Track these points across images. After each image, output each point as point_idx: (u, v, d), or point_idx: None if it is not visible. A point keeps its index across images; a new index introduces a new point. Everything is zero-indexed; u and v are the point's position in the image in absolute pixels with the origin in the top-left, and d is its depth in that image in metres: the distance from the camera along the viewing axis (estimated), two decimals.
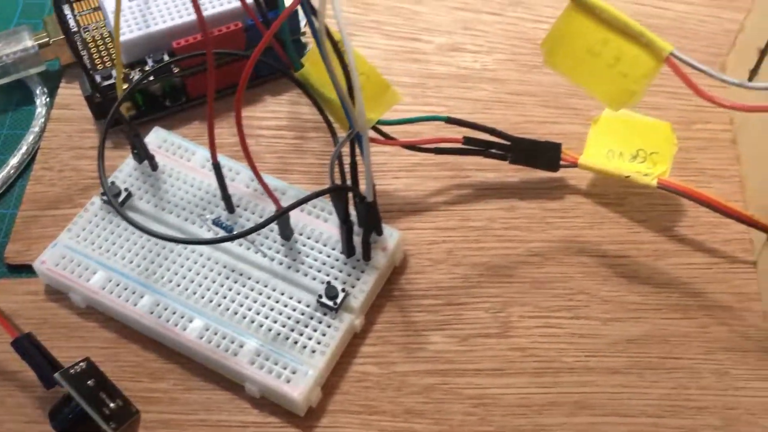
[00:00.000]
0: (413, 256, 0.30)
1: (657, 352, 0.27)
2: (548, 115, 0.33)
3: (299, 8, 0.24)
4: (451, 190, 0.31)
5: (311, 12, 0.24)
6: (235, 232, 0.26)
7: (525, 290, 0.29)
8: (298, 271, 0.28)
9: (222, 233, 0.28)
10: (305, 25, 0.34)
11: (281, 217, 0.26)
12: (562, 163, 0.30)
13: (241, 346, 0.26)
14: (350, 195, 0.27)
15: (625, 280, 0.29)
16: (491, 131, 0.30)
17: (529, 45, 0.36)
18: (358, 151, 0.25)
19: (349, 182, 0.27)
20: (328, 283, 0.27)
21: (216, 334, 0.26)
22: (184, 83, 0.33)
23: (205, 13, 0.32)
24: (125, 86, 0.29)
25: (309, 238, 0.28)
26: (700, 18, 0.36)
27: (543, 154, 0.30)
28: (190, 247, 0.28)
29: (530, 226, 0.30)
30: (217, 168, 0.27)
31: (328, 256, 0.28)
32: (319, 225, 0.29)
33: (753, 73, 0.30)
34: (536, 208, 0.31)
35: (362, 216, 0.27)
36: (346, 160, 0.26)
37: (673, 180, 0.28)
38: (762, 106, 0.22)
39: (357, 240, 0.28)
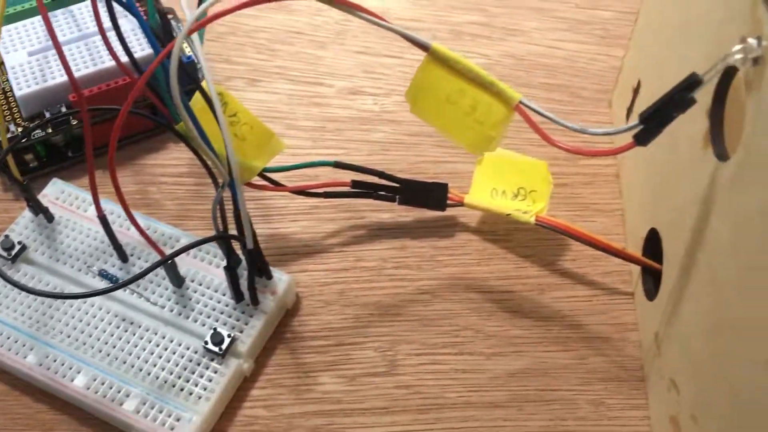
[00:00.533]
0: (306, 297, 0.30)
1: (536, 385, 0.28)
2: (442, 155, 0.34)
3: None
4: (347, 232, 0.32)
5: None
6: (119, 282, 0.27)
7: (413, 328, 0.29)
8: (188, 317, 0.28)
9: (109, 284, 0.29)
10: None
11: (164, 264, 0.27)
12: (449, 202, 0.31)
13: (128, 395, 0.26)
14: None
15: (509, 314, 0.30)
16: (379, 174, 0.31)
17: None
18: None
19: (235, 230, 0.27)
20: (215, 329, 0.27)
21: (103, 384, 0.27)
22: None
23: (103, 66, 0.33)
24: (24, 140, 0.30)
25: (201, 285, 0.29)
26: (590, 56, 0.38)
27: (430, 194, 0.31)
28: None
29: (421, 265, 0.31)
30: (103, 220, 0.28)
31: (219, 302, 0.29)
32: (211, 271, 0.29)
33: (629, 112, 0.32)
34: (427, 247, 0.32)
35: (247, 262, 0.27)
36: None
37: (550, 216, 0.29)
38: (595, 150, 0.23)
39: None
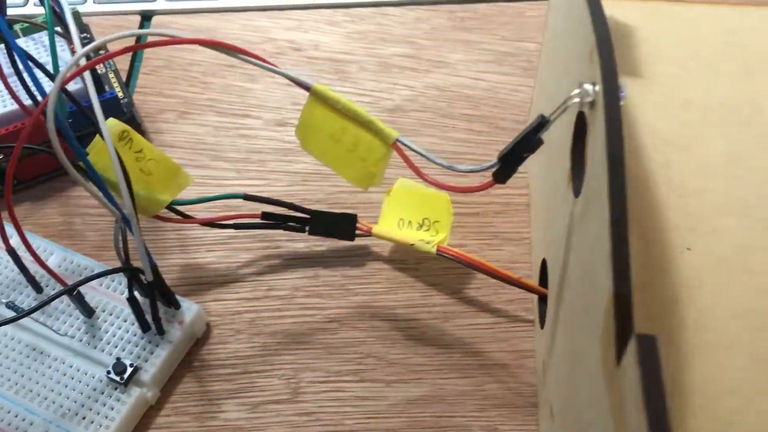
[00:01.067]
0: (217, 326, 0.31)
1: (433, 411, 0.29)
2: None
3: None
4: (261, 261, 0.33)
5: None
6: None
7: (318, 356, 0.30)
8: (96, 347, 0.29)
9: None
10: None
11: (69, 295, 0.28)
12: (358, 232, 0.32)
13: (31, 424, 0.27)
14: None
15: (412, 342, 0.30)
16: (288, 206, 0.32)
17: None
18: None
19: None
20: (118, 358, 0.28)
21: (9, 412, 0.28)
22: None
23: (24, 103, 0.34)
24: None
25: (111, 315, 0.30)
26: (512, 87, 0.39)
27: (339, 225, 0.32)
28: None
29: (331, 293, 0.32)
30: (11, 253, 0.29)
31: (127, 332, 0.29)
32: (122, 302, 0.30)
33: None
34: (339, 276, 0.32)
35: (149, 293, 0.28)
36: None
37: (451, 247, 0.30)
38: (457, 187, 0.24)
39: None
